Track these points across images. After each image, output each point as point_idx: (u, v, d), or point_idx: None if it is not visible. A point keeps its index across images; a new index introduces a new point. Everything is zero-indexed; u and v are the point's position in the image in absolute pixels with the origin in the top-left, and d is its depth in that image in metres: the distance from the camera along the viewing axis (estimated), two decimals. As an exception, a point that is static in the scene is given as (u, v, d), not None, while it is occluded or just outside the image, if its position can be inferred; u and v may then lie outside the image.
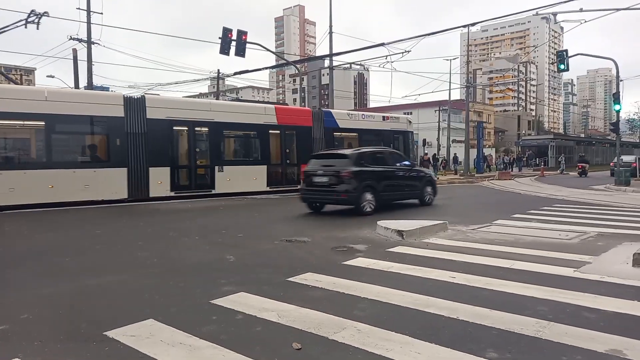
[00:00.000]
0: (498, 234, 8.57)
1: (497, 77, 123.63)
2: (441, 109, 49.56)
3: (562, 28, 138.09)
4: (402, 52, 23.94)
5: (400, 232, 8.05)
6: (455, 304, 4.42)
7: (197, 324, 3.93)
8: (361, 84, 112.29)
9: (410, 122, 23.30)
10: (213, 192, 16.24)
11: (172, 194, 15.31)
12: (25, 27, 18.02)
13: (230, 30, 20.24)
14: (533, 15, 24.04)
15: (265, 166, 17.69)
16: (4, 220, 10.83)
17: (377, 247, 7.35)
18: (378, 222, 8.85)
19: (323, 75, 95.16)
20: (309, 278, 5.45)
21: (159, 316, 4.10)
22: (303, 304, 4.44)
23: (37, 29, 18.04)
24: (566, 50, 22.92)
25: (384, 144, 19.48)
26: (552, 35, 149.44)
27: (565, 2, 17.81)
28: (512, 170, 39.57)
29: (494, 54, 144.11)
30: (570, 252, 6.81)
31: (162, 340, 3.59)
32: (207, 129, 16.46)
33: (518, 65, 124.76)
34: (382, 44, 23.14)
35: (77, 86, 25.43)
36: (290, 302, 4.50)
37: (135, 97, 15.53)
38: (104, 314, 4.27)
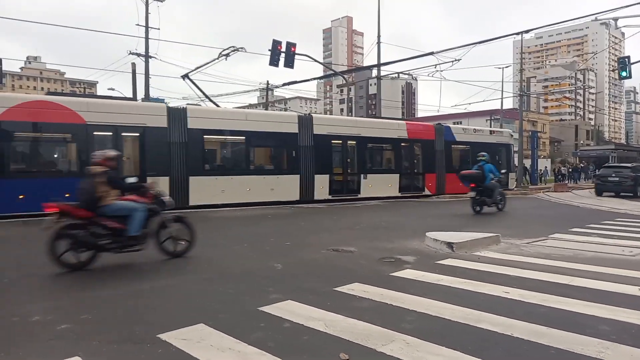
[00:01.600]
0: (555, 248, 8.19)
1: (552, 85, 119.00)
2: (493, 118, 48.19)
3: (623, 34, 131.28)
4: (452, 61, 23.52)
5: (450, 244, 7.85)
6: (510, 320, 4.24)
7: (246, 331, 3.98)
8: (409, 93, 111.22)
9: (512, 135, 25.40)
10: (359, 196, 18.69)
11: (330, 197, 17.93)
12: (226, 59, 19.74)
13: (280, 42, 20.58)
14: (592, 20, 23.00)
15: (398, 174, 20.13)
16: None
17: (426, 259, 7.20)
18: (427, 234, 8.67)
19: (370, 85, 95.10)
20: (356, 288, 5.40)
21: (209, 321, 4.19)
22: (350, 314, 4.40)
23: (226, 59, 19.66)
24: (628, 57, 21.73)
25: (491, 156, 20.96)
26: (612, 42, 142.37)
27: (627, 6, 16.95)
28: (569, 182, 37.74)
29: (549, 62, 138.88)
30: (635, 270, 6.40)
31: (212, 345, 3.66)
32: (355, 143, 18.97)
33: (575, 73, 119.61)
34: (432, 53, 22.82)
35: (135, 98, 26.64)
36: (338, 312, 4.47)
37: (306, 115, 19.12)
38: (157, 317, 4.41)
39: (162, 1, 27.18)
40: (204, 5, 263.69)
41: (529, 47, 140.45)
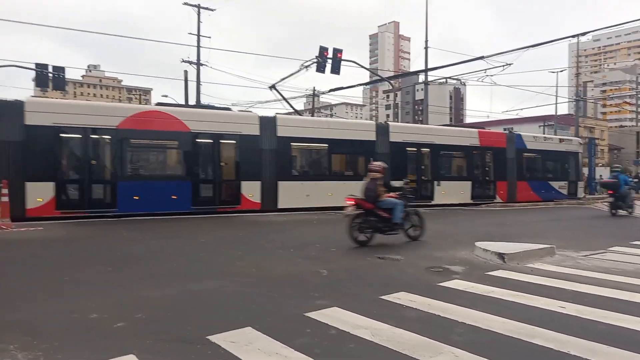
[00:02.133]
0: (615, 262, 7.76)
1: (611, 89, 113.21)
2: (546, 124, 46.37)
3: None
4: (503, 65, 22.88)
5: (501, 255, 7.60)
6: (565, 337, 4.05)
7: (292, 336, 4.00)
8: (457, 99, 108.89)
9: (580, 143, 25.65)
10: (432, 202, 18.93)
11: None
12: (306, 70, 21.74)
13: (326, 49, 20.75)
14: (655, 21, 21.67)
15: (470, 182, 20.44)
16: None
17: (476, 270, 7.00)
18: (476, 244, 8.44)
19: (417, 90, 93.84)
20: (402, 297, 5.33)
21: (256, 324, 4.25)
22: (397, 324, 4.35)
23: (307, 70, 21.64)
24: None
25: (560, 164, 23.33)
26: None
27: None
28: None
29: (608, 65, 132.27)
30: None
31: (259, 349, 3.71)
32: (428, 150, 19.41)
33: (637, 77, 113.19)
34: (482, 57, 22.30)
35: (186, 104, 27.56)
36: (384, 321, 4.42)
37: (383, 123, 20.19)
38: (206, 318, 4.52)
39: (212, 10, 28.05)
40: (251, 13, 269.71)
41: (585, 50, 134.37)
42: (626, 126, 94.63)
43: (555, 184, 23.27)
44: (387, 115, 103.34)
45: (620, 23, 21.90)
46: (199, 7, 27.93)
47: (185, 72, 28.88)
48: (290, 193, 16.14)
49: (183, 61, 27.91)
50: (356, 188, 16.45)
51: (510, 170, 21.53)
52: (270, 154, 15.86)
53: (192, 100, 28.24)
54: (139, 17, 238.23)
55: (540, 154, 22.82)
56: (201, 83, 27.54)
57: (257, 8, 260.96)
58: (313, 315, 4.60)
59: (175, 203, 14.26)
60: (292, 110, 23.77)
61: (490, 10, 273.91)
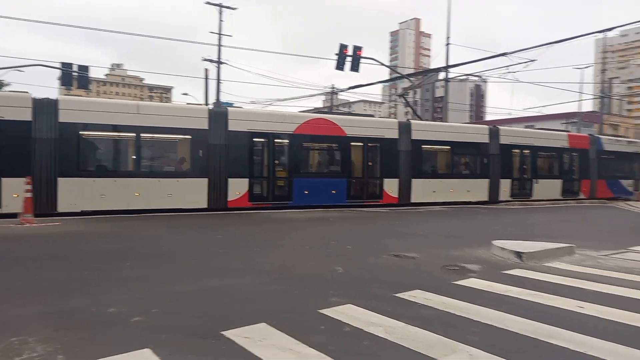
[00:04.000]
0: (636, 262, 7.58)
1: (637, 86, 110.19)
2: (569, 121, 45.37)
3: None
4: (526, 62, 22.46)
5: (518, 254, 7.49)
6: (584, 337, 3.98)
7: (306, 332, 4.02)
8: (478, 96, 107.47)
9: None
10: (531, 198, 20.92)
11: (511, 198, 20.28)
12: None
13: (346, 47, 20.66)
14: (685, 15, 21.04)
15: (561, 180, 22.27)
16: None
17: (493, 269, 6.92)
18: (493, 242, 8.34)
19: (437, 87, 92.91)
20: (417, 295, 5.30)
21: (270, 320, 4.28)
22: (411, 322, 4.33)
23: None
24: None
25: (629, 164, 25.10)
26: None
27: None
28: None
29: (635, 61, 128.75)
30: None
31: (273, 345, 3.73)
32: (529, 152, 21.12)
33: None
34: (504, 54, 21.91)
35: (207, 102, 27.80)
36: (398, 319, 4.41)
37: (494, 127, 20.73)
38: (222, 314, 4.58)
39: (234, 9, 28.22)
40: (273, 11, 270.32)
41: (612, 45, 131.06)
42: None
43: (624, 182, 24.90)
44: (406, 113, 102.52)
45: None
46: (220, 6, 28.16)
47: (206, 70, 29.14)
48: (421, 189, 18.02)
49: (204, 59, 28.17)
50: (472, 185, 19.16)
51: (593, 170, 23.29)
52: (406, 155, 17.78)
53: (212, 98, 28.46)
54: (160, 15, 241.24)
55: (614, 155, 24.48)
56: (221, 81, 27.77)
57: (279, 5, 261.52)
58: (327, 312, 4.61)
59: (335, 197, 16.51)
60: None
61: (514, 5, 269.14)
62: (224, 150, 14.63)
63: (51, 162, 12.71)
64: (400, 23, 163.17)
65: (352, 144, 16.93)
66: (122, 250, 8.27)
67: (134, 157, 14.03)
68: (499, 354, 3.60)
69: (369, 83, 32.95)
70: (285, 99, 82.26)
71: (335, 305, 4.82)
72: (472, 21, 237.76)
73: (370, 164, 17.38)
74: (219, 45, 27.34)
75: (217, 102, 26.50)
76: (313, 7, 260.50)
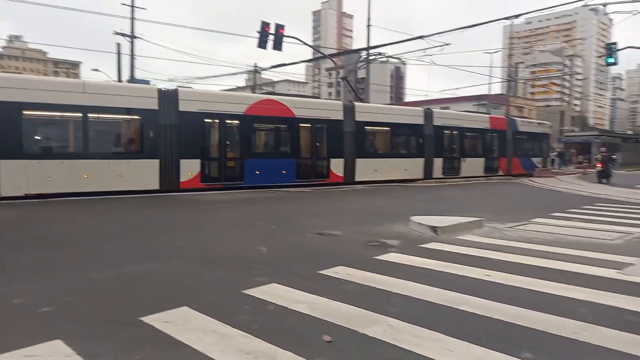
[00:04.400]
0: (537, 232, 8.32)
1: (540, 70, 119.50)
2: (480, 103, 48.31)
3: (611, 20, 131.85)
4: (442, 45, 23.49)
5: (434, 228, 7.93)
6: (491, 303, 4.32)
7: (230, 313, 3.99)
8: (398, 78, 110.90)
9: (551, 126, 30.77)
10: (459, 176, 22.57)
11: (442, 176, 21.78)
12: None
13: (268, 24, 20.31)
14: (581, 6, 22.98)
15: (484, 158, 24.10)
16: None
17: (411, 243, 7.27)
18: (411, 218, 8.74)
19: (360, 69, 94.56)
20: (340, 272, 5.44)
21: (193, 304, 4.19)
22: (334, 297, 4.44)
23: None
24: (615, 43, 21.89)
25: (537, 143, 27.71)
26: (601, 28, 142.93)
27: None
28: (553, 168, 38.08)
29: (538, 47, 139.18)
30: (613, 253, 6.54)
31: (195, 328, 3.67)
32: (457, 132, 22.61)
33: (563, 59, 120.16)
34: (421, 37, 22.77)
35: (119, 79, 26.20)
36: (322, 295, 4.51)
37: (428, 110, 21.88)
38: (140, 300, 4.41)
39: (147, -20, 26.55)
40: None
41: (518, 32, 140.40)
42: (552, 106, 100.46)
43: (535, 160, 27.41)
44: (330, 94, 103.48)
45: (551, 6, 22.96)
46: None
47: (118, 45, 27.31)
48: (364, 168, 18.91)
49: (116, 33, 26.36)
50: (409, 164, 20.30)
51: (509, 149, 25.36)
52: (350, 136, 18.48)
53: (125, 75, 26.83)
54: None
55: (526, 135, 26.74)
56: (135, 57, 26.19)
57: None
58: (252, 292, 4.61)
59: (285, 177, 16.91)
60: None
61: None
62: (175, 131, 14.48)
63: None
64: (323, 3, 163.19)
65: (301, 125, 17.31)
66: (35, 238, 7.67)
67: (81, 137, 13.37)
68: (415, 322, 3.80)
69: (292, 62, 32.98)
70: (207, 77, 79.55)
71: (259, 285, 4.82)
72: (392, 4, 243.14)
73: (317, 144, 17.89)
74: (132, 19, 25.71)
75: (131, 79, 25.07)
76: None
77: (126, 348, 3.32)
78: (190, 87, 21.34)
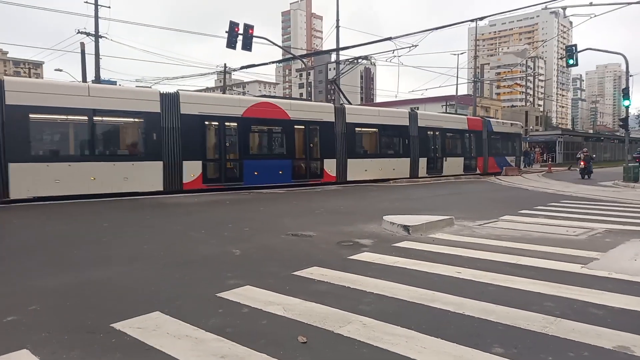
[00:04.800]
0: (504, 229, 8.53)
1: (505, 72, 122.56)
2: (448, 104, 49.24)
3: (571, 22, 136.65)
4: (409, 47, 23.78)
5: (406, 227, 8.04)
6: (461, 299, 4.40)
7: (203, 317, 3.94)
8: (368, 79, 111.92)
9: (522, 127, 33.01)
10: (442, 175, 23.65)
11: (427, 175, 22.80)
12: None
13: (237, 24, 20.08)
14: (542, 9, 23.82)
15: (463, 158, 25.24)
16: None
17: (383, 242, 7.34)
18: (384, 217, 8.83)
19: (330, 69, 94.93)
20: (314, 272, 5.45)
21: (165, 309, 4.13)
22: (308, 298, 4.45)
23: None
24: (575, 45, 22.65)
25: (511, 143, 29.21)
26: (561, 30, 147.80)
27: (574, -4, 17.51)
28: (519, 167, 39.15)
29: (502, 49, 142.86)
30: (578, 249, 6.76)
31: (168, 333, 3.61)
32: (438, 133, 23.74)
33: (526, 60, 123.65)
34: (389, 39, 22.95)
35: (84, 80, 25.51)
36: (296, 296, 4.50)
37: (414, 111, 23.43)
38: (111, 306, 4.30)
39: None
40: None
41: (483, 34, 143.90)
42: (517, 106, 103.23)
43: (508, 159, 28.78)
44: (301, 94, 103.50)
45: (513, 9, 23.76)
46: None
47: (82, 44, 26.56)
48: (355, 168, 19.63)
49: (79, 32, 25.64)
50: (396, 164, 21.46)
51: (485, 148, 26.58)
52: (342, 137, 19.14)
53: (90, 75, 26.11)
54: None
55: (500, 135, 28.17)
56: (101, 57, 25.55)
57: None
58: (225, 295, 4.56)
59: (281, 177, 17.41)
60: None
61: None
62: (177, 133, 14.87)
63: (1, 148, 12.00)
64: (292, 3, 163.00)
65: (296, 126, 17.92)
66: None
67: (88, 140, 13.56)
68: (388, 321, 3.85)
69: (262, 63, 32.51)
70: (176, 78, 78.27)
71: (233, 288, 4.78)
72: (360, 5, 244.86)
73: (311, 145, 18.61)
74: (96, 17, 25.08)
75: (97, 80, 24.47)
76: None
77: (96, 355, 3.23)
78: (189, 91, 21.26)
